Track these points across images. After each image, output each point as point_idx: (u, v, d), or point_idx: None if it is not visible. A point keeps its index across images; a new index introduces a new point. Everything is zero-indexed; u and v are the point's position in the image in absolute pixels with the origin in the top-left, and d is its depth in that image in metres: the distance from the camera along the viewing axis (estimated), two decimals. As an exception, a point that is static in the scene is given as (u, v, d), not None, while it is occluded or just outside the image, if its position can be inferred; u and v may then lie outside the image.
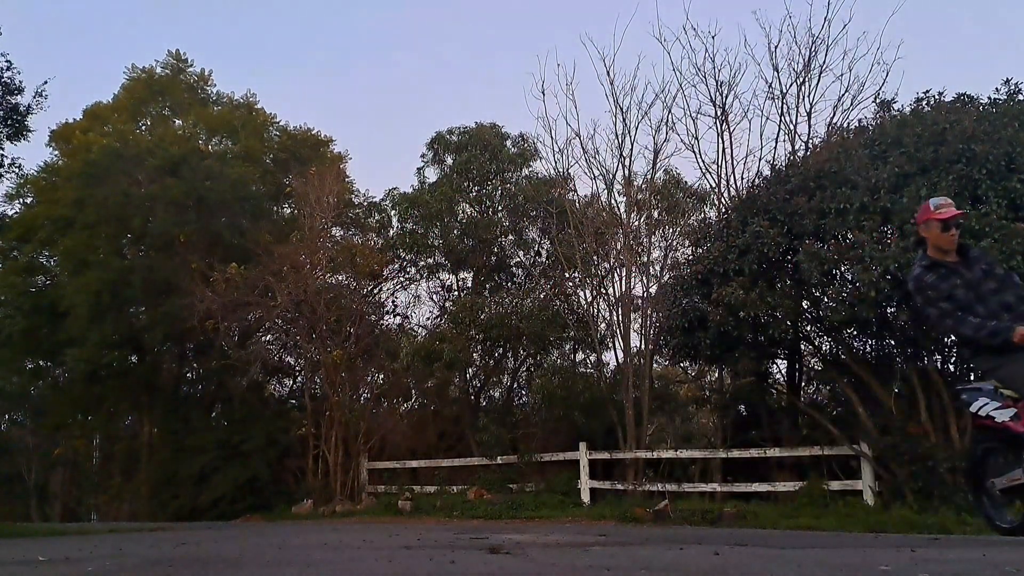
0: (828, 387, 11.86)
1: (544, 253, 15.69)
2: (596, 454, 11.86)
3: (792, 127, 11.91)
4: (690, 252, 11.77)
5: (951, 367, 9.22)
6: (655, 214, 13.72)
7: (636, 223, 13.53)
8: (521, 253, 16.23)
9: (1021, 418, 3.82)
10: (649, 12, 38.45)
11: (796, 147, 11.76)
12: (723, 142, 12.31)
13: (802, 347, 10.97)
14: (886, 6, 13.25)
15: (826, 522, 7.85)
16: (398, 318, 16.97)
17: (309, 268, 14.78)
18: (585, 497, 11.49)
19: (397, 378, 15.28)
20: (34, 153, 65.76)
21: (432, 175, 16.81)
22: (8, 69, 11.27)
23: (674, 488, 10.64)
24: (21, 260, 19.35)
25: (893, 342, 9.20)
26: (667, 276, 13.03)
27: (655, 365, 13.85)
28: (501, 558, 2.68)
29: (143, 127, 20.31)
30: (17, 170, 12.92)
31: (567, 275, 14.16)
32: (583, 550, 3.13)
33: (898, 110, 9.70)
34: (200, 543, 3.98)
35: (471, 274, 16.30)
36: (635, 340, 13.05)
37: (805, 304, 9.44)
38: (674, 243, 13.79)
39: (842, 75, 11.79)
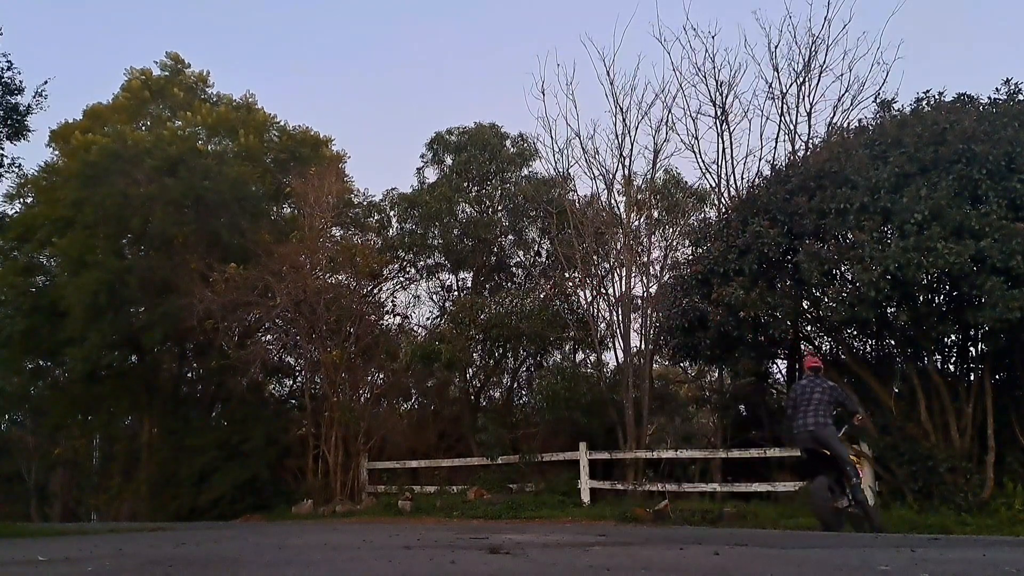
0: (828, 387, 11.82)
1: (544, 253, 15.69)
2: (596, 454, 11.85)
3: (792, 127, 11.93)
4: (690, 252, 11.77)
5: (951, 367, 9.22)
6: (655, 214, 13.72)
7: (636, 223, 13.54)
8: (521, 253, 16.24)
9: None
10: (649, 12, 38.50)
11: (796, 147, 11.77)
12: (723, 142, 12.33)
13: (802, 347, 10.96)
14: (886, 6, 13.26)
15: (826, 522, 7.80)
16: (398, 318, 16.98)
17: (309, 268, 14.77)
18: (585, 497, 11.49)
19: (397, 378, 15.28)
20: (34, 153, 65.94)
21: (432, 175, 16.84)
22: (8, 69, 11.23)
23: (674, 488, 10.64)
24: (21, 260, 19.32)
25: (893, 342, 9.20)
26: (667, 276, 13.04)
27: (655, 365, 13.86)
28: (501, 558, 2.68)
29: (143, 127, 20.29)
30: (17, 170, 12.91)
31: (567, 275, 14.15)
32: (583, 550, 3.13)
33: (898, 110, 9.70)
34: (200, 543, 3.97)
35: (471, 274, 16.31)
36: (635, 340, 13.07)
37: (805, 304, 9.44)
38: (674, 243, 13.81)
39: (842, 75, 11.83)
